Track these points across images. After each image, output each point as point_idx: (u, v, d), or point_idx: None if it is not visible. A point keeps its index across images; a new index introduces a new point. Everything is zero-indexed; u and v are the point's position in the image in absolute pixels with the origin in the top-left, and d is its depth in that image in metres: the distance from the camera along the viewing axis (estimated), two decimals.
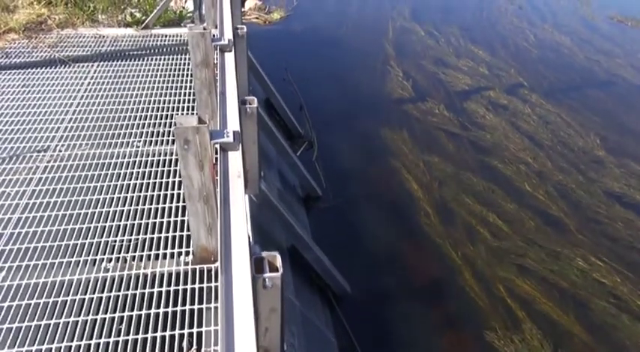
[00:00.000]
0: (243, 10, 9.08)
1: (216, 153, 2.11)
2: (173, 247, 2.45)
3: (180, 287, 2.23)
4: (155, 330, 2.03)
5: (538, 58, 8.76)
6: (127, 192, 2.82)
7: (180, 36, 5.06)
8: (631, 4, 12.01)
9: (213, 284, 2.22)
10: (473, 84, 7.63)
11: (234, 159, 2.02)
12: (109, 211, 2.67)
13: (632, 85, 8.06)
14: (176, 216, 2.66)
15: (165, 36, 5.04)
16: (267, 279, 1.58)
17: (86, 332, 2.01)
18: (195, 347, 1.98)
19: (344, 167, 5.90)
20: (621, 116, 7.03)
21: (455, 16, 10.38)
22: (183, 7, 5.73)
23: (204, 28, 3.05)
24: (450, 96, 7.28)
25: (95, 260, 2.35)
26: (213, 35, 3.29)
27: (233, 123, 2.28)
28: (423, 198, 5.33)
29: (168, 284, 2.25)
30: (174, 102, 3.83)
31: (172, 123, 3.50)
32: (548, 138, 6.32)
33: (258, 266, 1.62)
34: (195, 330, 2.03)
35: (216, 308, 2.08)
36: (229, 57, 3.10)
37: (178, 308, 2.13)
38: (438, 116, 6.76)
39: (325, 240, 4.48)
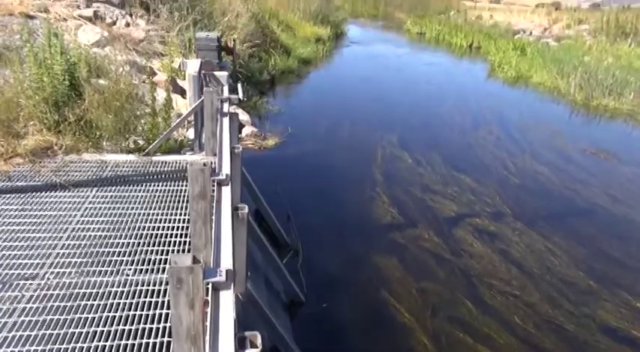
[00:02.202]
0: (240, 136, 9.63)
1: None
2: None
3: None
4: None
5: (519, 186, 9.18)
6: (112, 325, 2.75)
7: (179, 163, 5.31)
8: (600, 139, 12.94)
9: None
10: (459, 211, 7.89)
11: (226, 300, 2.04)
12: (91, 347, 2.58)
13: (611, 214, 8.36)
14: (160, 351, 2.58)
15: (165, 163, 5.28)
16: None
17: None
18: None
19: (328, 277, 6.09)
20: (604, 245, 7.18)
21: (440, 146, 11.05)
22: (184, 136, 6.09)
23: (204, 164, 3.25)
24: (438, 223, 7.47)
25: None
26: (213, 168, 3.49)
27: (226, 261, 2.33)
28: (412, 321, 5.33)
29: None
30: (168, 229, 3.90)
31: (163, 251, 3.54)
32: (535, 266, 6.39)
33: (240, 343, 1.83)
34: None
35: None
36: (226, 190, 3.26)
37: None
38: (426, 242, 6.87)
39: (306, 344, 4.63)
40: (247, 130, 10.17)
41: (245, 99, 11.78)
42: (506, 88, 19.07)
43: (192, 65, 6.05)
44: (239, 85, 6.41)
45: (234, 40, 7.39)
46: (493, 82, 19.91)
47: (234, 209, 3.34)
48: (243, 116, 10.47)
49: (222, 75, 6.31)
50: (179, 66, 9.14)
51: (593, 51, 22.73)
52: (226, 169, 3.50)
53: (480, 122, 13.38)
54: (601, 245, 7.18)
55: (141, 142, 5.60)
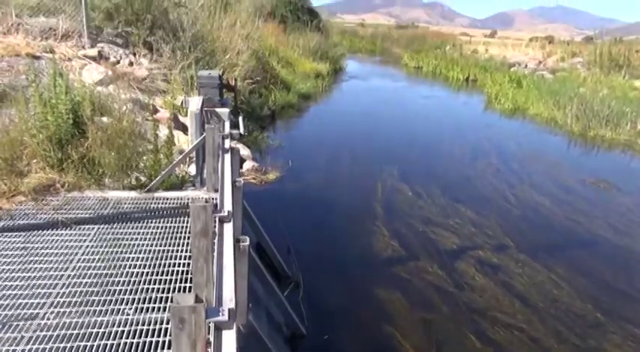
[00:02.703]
0: (241, 171, 9.70)
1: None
2: None
3: None
4: None
5: (520, 218, 9.17)
6: None
7: (181, 199, 5.33)
8: (599, 169, 13.01)
9: None
10: (460, 243, 7.85)
11: (228, 339, 2.03)
12: None
13: (614, 245, 8.32)
14: None
15: (167, 199, 5.31)
16: None
17: None
18: None
19: (329, 310, 6.04)
20: (608, 276, 7.12)
21: (440, 178, 11.12)
22: (186, 172, 6.14)
23: (207, 201, 3.27)
24: (440, 255, 7.42)
25: None
26: (215, 204, 3.52)
27: (229, 299, 2.33)
28: None
29: None
30: (169, 266, 3.88)
31: (164, 289, 3.52)
32: (539, 299, 6.31)
33: None
34: None
35: None
36: (228, 227, 3.27)
37: None
38: (428, 274, 6.82)
39: None
40: (248, 165, 10.24)
41: (246, 134, 11.94)
42: (504, 119, 19.32)
43: (194, 102, 6.17)
44: (240, 120, 6.52)
45: (235, 79, 7.55)
46: (490, 114, 20.18)
47: (236, 241, 3.39)
48: (244, 151, 10.57)
49: (224, 111, 6.42)
50: (181, 103, 9.31)
51: (588, 83, 23.15)
52: (228, 206, 3.52)
53: (479, 154, 13.49)
54: (605, 276, 7.12)
55: (143, 179, 5.64)
